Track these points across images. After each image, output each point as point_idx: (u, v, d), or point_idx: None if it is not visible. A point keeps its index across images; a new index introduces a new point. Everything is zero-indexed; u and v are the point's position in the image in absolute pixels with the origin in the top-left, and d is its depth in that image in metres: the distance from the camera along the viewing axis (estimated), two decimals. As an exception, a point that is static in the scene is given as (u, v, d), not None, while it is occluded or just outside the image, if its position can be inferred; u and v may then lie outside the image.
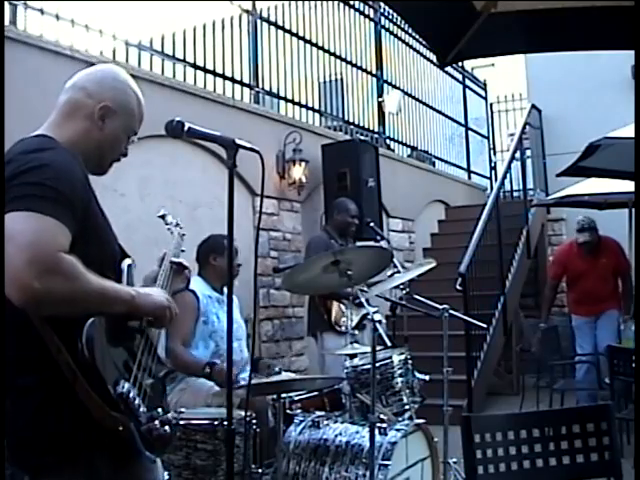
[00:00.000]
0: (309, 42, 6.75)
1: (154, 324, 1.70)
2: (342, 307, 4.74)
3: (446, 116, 9.60)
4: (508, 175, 7.92)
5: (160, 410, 1.62)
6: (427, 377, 3.45)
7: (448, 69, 9.36)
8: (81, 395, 1.44)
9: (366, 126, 7.70)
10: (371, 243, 5.15)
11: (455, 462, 3.45)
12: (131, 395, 1.49)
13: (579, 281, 6.02)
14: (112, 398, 1.45)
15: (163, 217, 2.16)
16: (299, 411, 3.14)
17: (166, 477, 2.58)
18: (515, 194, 8.73)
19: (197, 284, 3.55)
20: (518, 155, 8.26)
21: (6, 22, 3.79)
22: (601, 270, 5.94)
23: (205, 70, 5.41)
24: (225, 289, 3.45)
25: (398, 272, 3.79)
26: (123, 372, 1.53)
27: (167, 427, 1.62)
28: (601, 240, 6.02)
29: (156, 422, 1.57)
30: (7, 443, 1.50)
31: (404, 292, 3.99)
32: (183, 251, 2.05)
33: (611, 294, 5.95)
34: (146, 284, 1.88)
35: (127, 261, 1.74)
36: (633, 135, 3.76)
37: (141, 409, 1.52)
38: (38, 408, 1.47)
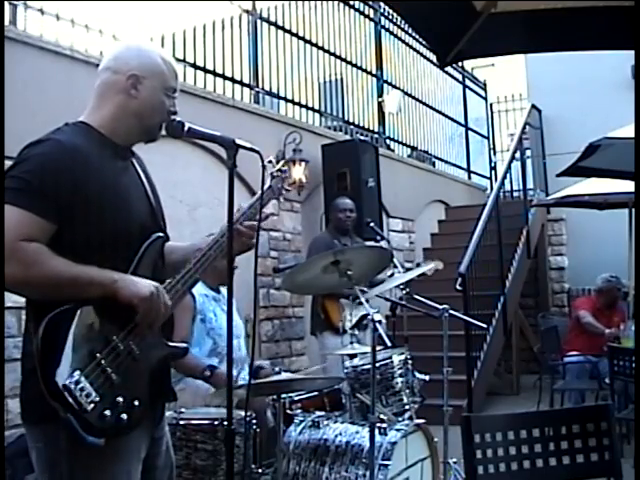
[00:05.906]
0: (309, 42, 6.75)
1: (142, 323, 1.67)
2: (340, 307, 4.73)
3: (446, 116, 9.60)
4: (508, 175, 7.92)
5: (121, 399, 1.60)
6: (427, 377, 3.45)
7: (448, 69, 9.36)
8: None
9: (366, 126, 7.70)
10: (371, 243, 5.15)
11: (455, 462, 3.45)
12: (80, 386, 1.52)
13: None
14: (57, 388, 1.50)
15: (270, 162, 2.06)
16: (299, 411, 3.14)
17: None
18: (515, 194, 8.72)
19: (193, 283, 3.55)
20: (518, 155, 8.26)
21: (6, 22, 3.79)
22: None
23: (205, 70, 5.41)
24: (222, 288, 3.45)
25: (399, 272, 3.79)
26: (86, 361, 1.56)
27: (124, 415, 1.60)
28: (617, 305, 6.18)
29: (106, 412, 1.56)
30: None
31: (404, 292, 3.99)
32: (278, 196, 2.07)
33: None
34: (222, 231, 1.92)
35: (155, 235, 1.79)
36: (633, 135, 3.76)
37: (91, 398, 1.53)
38: (24, 374, 1.63)
